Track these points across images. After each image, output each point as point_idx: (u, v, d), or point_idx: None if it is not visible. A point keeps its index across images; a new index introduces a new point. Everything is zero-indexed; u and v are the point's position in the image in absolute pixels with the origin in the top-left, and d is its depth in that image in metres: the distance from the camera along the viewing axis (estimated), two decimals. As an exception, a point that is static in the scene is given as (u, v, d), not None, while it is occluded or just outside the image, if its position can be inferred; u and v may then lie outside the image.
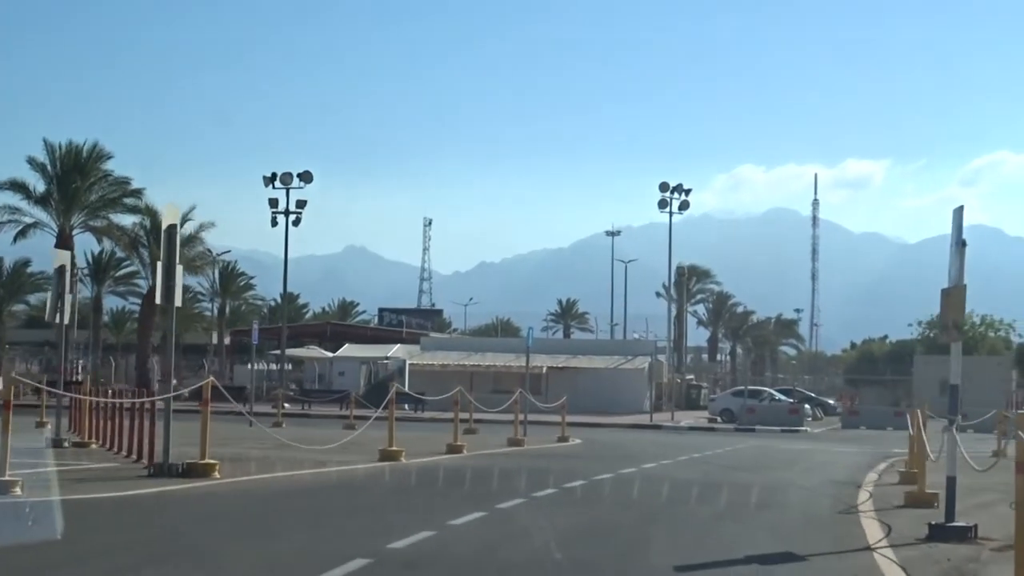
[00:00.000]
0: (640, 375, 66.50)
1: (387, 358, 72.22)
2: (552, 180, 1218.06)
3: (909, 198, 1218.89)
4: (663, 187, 72.34)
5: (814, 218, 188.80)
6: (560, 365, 67.50)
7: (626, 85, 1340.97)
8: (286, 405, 56.81)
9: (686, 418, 58.58)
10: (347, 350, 76.02)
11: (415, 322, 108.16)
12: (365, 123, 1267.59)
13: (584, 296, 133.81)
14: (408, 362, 68.89)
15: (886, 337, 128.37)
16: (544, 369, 65.93)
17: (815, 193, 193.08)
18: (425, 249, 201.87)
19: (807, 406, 57.05)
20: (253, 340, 43.98)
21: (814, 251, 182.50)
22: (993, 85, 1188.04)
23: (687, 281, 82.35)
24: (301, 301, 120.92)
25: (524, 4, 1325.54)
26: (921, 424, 22.41)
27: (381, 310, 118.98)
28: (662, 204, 72.27)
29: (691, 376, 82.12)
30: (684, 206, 72.57)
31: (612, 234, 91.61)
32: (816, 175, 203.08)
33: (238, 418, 30.35)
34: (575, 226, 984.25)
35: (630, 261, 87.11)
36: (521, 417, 34.82)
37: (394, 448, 23.64)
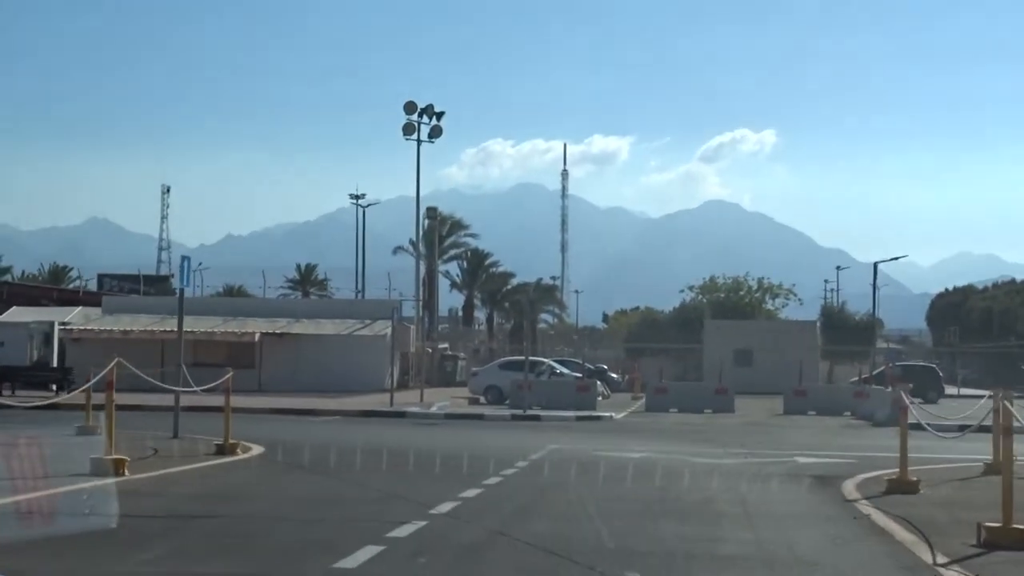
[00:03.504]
0: (381, 343, 51.18)
1: (60, 323, 55.94)
2: (298, 152, 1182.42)
3: (653, 174, 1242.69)
4: (409, 108, 58.42)
5: (563, 188, 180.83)
6: (279, 331, 53.00)
7: (370, 55, 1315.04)
8: None
9: (440, 398, 44.16)
10: (13, 314, 58.96)
11: (128, 287, 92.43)
12: (103, 86, 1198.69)
13: (331, 267, 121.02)
14: (77, 327, 53.25)
15: (637, 308, 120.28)
16: (257, 336, 52.23)
17: (564, 164, 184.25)
18: (163, 218, 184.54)
19: (599, 382, 43.56)
20: None
21: (563, 222, 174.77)
22: (734, 63, 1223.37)
23: (439, 228, 68.39)
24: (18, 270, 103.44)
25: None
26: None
27: (100, 276, 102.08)
28: (408, 129, 58.31)
29: (445, 345, 67.87)
30: (435, 132, 58.85)
31: (357, 197, 79.04)
32: (565, 145, 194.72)
33: None
34: (322, 199, 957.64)
35: (370, 204, 72.29)
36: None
37: None
